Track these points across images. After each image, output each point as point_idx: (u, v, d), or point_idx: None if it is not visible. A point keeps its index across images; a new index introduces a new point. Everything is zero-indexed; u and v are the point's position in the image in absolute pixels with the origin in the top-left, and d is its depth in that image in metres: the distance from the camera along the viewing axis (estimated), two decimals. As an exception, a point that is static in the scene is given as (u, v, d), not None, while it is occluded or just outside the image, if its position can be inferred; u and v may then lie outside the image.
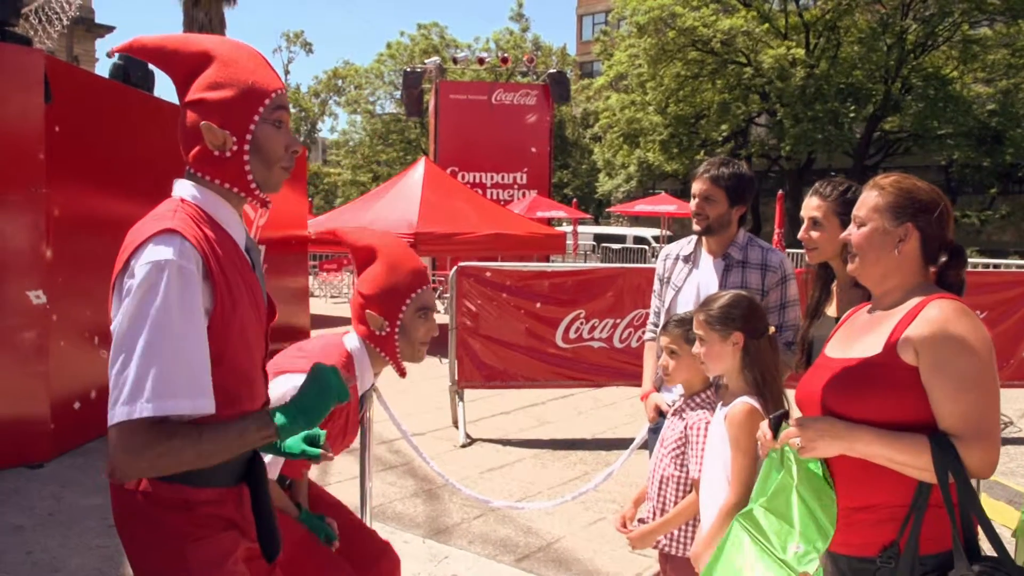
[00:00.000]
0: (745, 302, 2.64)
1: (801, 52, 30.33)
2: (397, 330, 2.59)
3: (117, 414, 1.56)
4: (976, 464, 1.87)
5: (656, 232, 28.84)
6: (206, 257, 1.67)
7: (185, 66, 1.79)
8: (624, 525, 3.00)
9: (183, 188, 1.80)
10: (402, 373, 2.69)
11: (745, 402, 2.53)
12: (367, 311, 2.60)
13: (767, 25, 31.57)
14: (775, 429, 2.06)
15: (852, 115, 29.98)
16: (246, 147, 1.77)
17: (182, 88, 1.79)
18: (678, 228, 33.21)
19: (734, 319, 2.58)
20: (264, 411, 1.73)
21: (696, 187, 3.33)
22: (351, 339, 2.64)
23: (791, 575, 1.92)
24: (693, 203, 3.34)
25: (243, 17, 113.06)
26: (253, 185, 1.80)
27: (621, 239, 29.38)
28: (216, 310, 1.68)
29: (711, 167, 3.31)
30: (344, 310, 15.70)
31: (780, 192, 18.43)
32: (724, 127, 33.11)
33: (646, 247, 27.48)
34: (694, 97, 33.24)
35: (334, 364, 2.37)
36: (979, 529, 1.92)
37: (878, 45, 30.00)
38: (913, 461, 1.88)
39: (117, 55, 7.30)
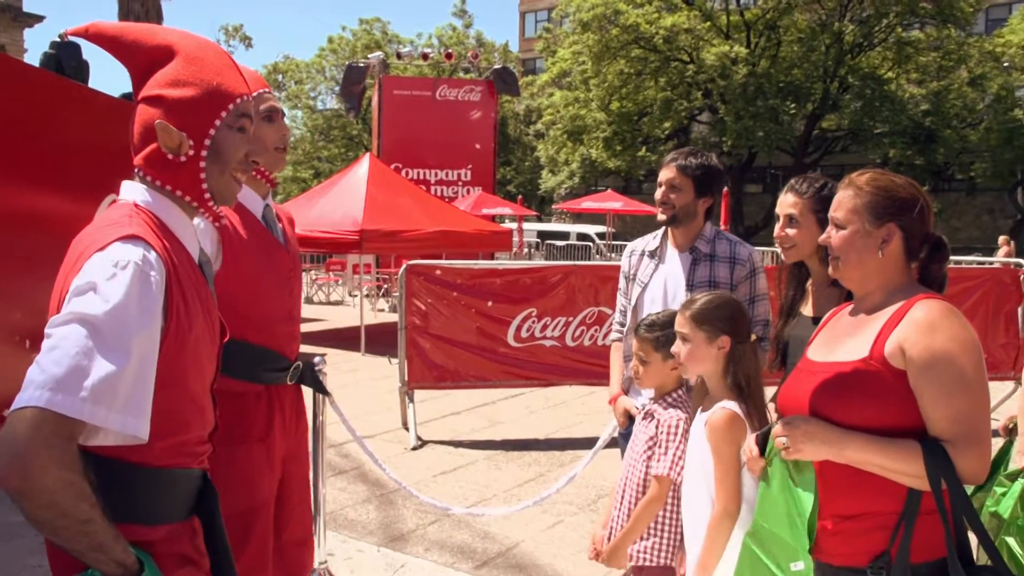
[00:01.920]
0: (733, 304, 2.54)
1: (743, 50, 30.74)
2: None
3: (35, 397, 1.31)
4: (968, 469, 1.81)
5: (600, 229, 28.91)
6: (169, 271, 1.50)
7: (145, 58, 1.62)
8: (598, 555, 2.84)
9: (134, 191, 1.62)
10: None
11: (726, 408, 2.43)
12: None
13: (709, 23, 31.92)
14: (762, 446, 1.97)
15: (792, 113, 30.50)
16: (203, 152, 1.61)
17: (139, 82, 1.63)
18: (621, 225, 33.38)
19: (722, 320, 2.47)
20: (135, 561, 1.44)
21: (663, 175, 3.23)
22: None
23: None
24: (659, 192, 3.24)
25: (181, 9, 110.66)
26: (207, 196, 1.64)
27: (565, 236, 29.40)
28: (171, 328, 1.50)
29: (679, 156, 3.23)
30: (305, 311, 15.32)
31: (725, 189, 18.61)
32: (667, 124, 33.37)
33: (590, 244, 27.56)
34: (637, 94, 33.41)
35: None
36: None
37: (817, 45, 30.59)
38: (905, 468, 1.81)
39: (51, 43, 6.98)
